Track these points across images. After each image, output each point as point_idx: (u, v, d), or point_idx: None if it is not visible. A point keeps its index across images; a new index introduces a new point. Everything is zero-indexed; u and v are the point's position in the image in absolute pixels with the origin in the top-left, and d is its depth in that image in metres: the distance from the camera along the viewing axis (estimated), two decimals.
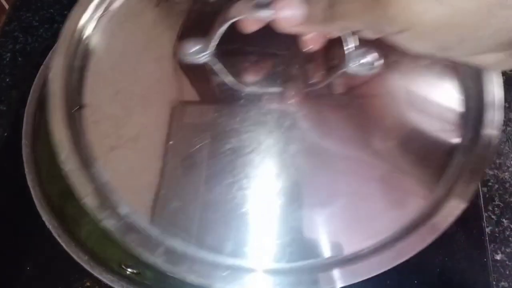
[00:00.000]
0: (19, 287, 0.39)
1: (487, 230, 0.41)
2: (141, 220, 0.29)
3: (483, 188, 0.43)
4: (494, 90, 0.33)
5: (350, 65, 0.32)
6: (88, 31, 0.35)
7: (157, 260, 0.28)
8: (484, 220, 0.41)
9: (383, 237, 0.29)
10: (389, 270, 0.38)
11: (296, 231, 0.29)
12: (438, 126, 0.32)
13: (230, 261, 0.29)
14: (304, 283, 0.28)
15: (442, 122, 0.33)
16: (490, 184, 0.44)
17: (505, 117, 0.47)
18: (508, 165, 0.45)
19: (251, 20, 0.28)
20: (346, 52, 0.31)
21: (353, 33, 0.30)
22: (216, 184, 0.30)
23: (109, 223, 0.28)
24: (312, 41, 0.30)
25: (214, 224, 0.29)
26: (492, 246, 0.41)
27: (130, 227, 0.28)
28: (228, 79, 0.32)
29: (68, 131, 0.30)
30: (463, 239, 0.40)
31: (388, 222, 0.29)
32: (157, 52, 0.34)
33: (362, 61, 0.32)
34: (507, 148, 0.46)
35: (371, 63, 0.32)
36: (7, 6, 0.57)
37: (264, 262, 0.29)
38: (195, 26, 0.34)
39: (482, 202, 0.42)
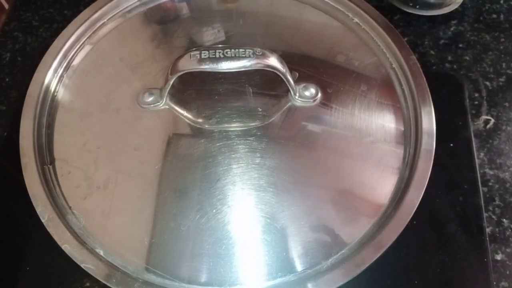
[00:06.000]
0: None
1: (488, 230, 0.41)
2: (118, 259, 0.31)
3: (483, 188, 0.43)
4: (428, 114, 0.36)
5: (296, 98, 0.36)
6: (53, 88, 0.38)
7: None
8: (485, 220, 0.41)
9: (342, 251, 0.31)
10: (389, 270, 0.39)
11: (268, 252, 0.31)
12: (380, 150, 0.35)
13: None
14: None
15: (383, 146, 0.36)
16: (490, 184, 0.44)
17: (505, 116, 0.47)
18: (509, 165, 0.45)
19: None
20: (289, 87, 0.35)
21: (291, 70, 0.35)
22: (185, 218, 0.32)
23: (88, 265, 0.30)
24: None
25: (187, 256, 0.31)
26: (492, 246, 0.41)
27: (108, 267, 0.31)
28: (184, 120, 0.36)
29: (41, 185, 0.33)
30: (463, 239, 0.40)
31: (345, 237, 0.32)
32: (119, 102, 0.37)
33: (306, 93, 0.36)
34: (507, 148, 0.46)
35: (314, 96, 0.36)
36: (7, 6, 0.57)
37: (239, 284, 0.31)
38: (154, 77, 0.38)
39: (482, 202, 0.42)
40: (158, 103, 0.36)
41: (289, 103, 0.36)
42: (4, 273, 0.40)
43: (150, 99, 0.36)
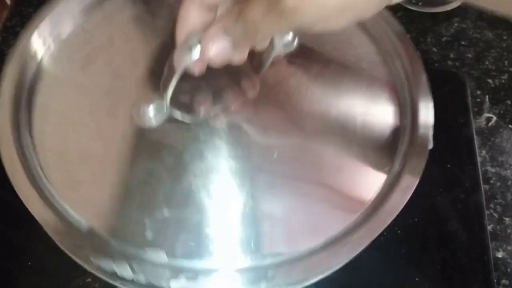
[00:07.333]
0: (20, 283, 0.39)
1: (489, 227, 0.41)
2: (101, 232, 0.30)
3: (485, 186, 0.43)
4: (425, 109, 0.34)
5: (276, 47, 0.34)
6: (38, 55, 0.37)
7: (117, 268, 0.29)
8: (486, 217, 0.41)
9: (332, 235, 0.30)
10: (390, 267, 0.39)
11: (254, 231, 0.31)
12: (375, 134, 0.34)
13: (184, 263, 0.30)
14: (262, 279, 0.29)
15: (379, 130, 0.34)
16: (492, 182, 0.44)
17: (507, 114, 0.47)
18: (510, 162, 0.45)
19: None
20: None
21: None
22: (170, 201, 0.31)
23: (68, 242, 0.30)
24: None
25: (169, 228, 0.30)
26: (493, 243, 0.41)
27: (90, 241, 0.30)
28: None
29: (24, 174, 0.32)
30: (464, 237, 0.40)
31: (335, 221, 0.31)
32: (102, 73, 0.36)
33: (284, 40, 0.34)
34: (509, 145, 0.46)
35: (291, 42, 0.34)
36: (9, 2, 0.57)
37: (223, 262, 0.30)
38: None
39: (483, 199, 0.42)
40: (160, 115, 0.33)
41: (275, 53, 0.35)
42: (5, 269, 0.40)
43: (152, 114, 0.33)
